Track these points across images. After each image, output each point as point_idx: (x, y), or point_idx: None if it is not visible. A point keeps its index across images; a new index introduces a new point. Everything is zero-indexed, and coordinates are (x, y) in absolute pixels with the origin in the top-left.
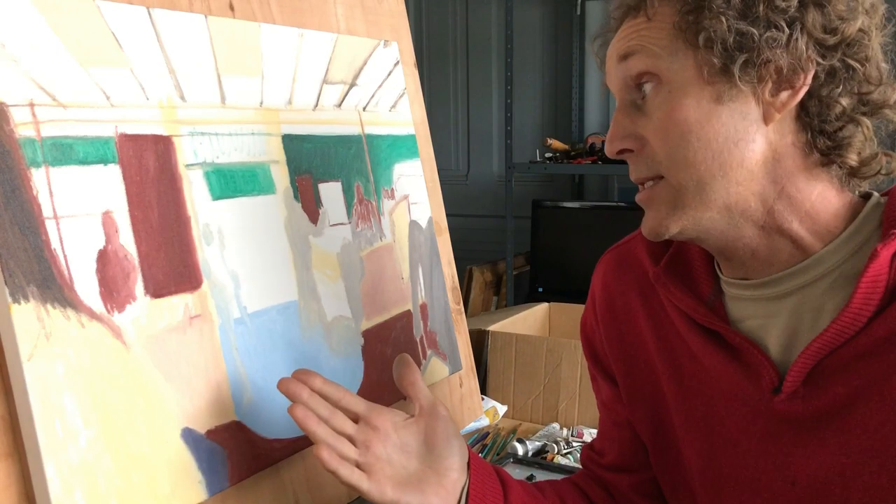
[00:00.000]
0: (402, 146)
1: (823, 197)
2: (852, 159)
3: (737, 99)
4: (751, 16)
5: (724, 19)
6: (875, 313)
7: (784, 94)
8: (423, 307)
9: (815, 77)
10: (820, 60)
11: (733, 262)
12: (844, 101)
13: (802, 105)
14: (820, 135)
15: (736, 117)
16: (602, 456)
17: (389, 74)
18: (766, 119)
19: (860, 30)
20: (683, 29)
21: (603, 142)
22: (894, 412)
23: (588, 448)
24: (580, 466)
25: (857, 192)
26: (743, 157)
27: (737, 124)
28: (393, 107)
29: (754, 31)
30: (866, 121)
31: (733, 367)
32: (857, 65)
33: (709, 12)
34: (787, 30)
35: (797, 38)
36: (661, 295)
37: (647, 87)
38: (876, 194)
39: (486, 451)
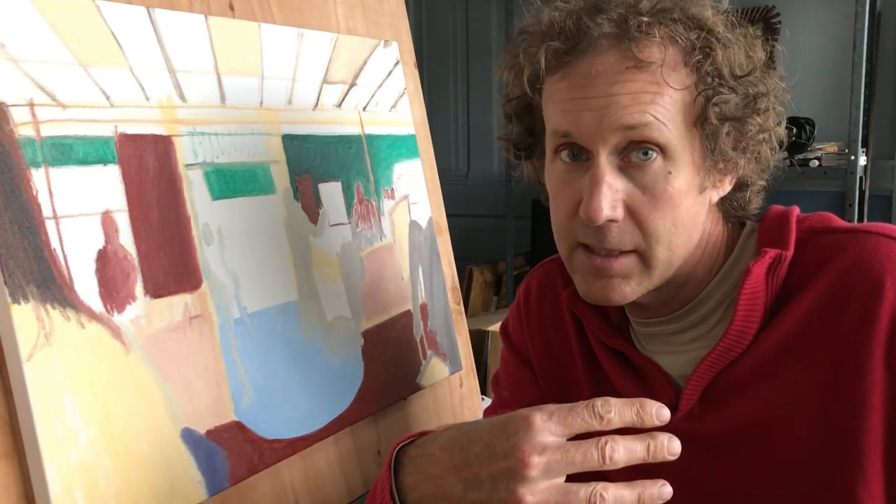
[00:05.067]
0: (402, 146)
1: (717, 240)
2: (751, 211)
3: (706, 188)
4: (766, 123)
5: (756, 121)
6: (759, 330)
7: (726, 180)
8: (423, 307)
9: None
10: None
11: (639, 308)
12: (760, 183)
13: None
14: (732, 205)
15: (702, 205)
16: None
17: (389, 74)
18: (711, 202)
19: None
20: (700, 114)
21: None
22: (788, 436)
23: None
24: None
25: (732, 222)
26: (697, 236)
27: (702, 211)
28: (393, 107)
29: (764, 136)
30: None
31: (637, 387)
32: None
33: (734, 108)
34: (777, 132)
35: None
36: (577, 314)
37: (646, 157)
38: (749, 222)
39: None
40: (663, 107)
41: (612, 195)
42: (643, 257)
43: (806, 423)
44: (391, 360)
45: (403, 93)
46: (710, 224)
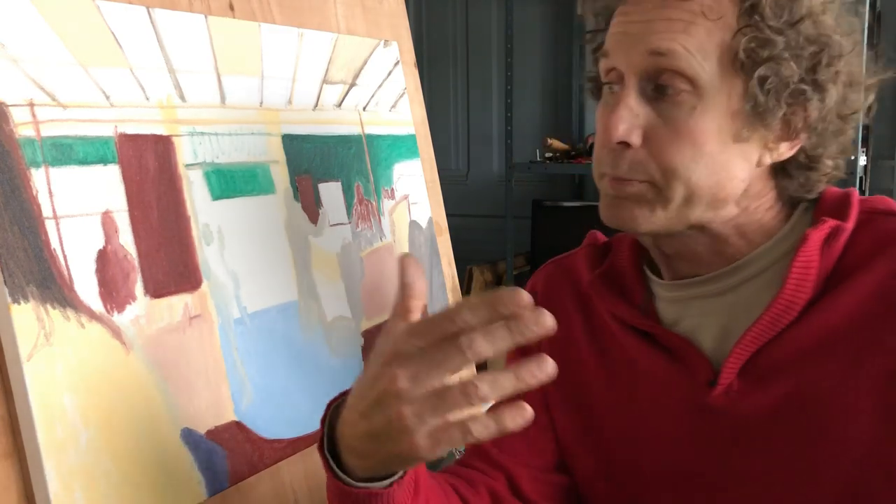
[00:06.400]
0: (402, 146)
1: (770, 209)
2: (814, 195)
3: (748, 140)
4: (811, 74)
5: (793, 66)
6: (809, 302)
7: (784, 146)
8: (423, 307)
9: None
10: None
11: (673, 262)
12: (829, 163)
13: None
14: (796, 179)
15: (740, 157)
16: (503, 450)
17: (389, 74)
18: (760, 163)
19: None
20: (738, 51)
21: None
22: (838, 418)
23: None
24: None
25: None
26: (730, 193)
27: (739, 163)
28: (393, 107)
29: (808, 89)
30: (838, 163)
31: (668, 366)
32: (847, 125)
33: (774, 49)
34: (832, 93)
35: (831, 99)
36: (597, 303)
37: (674, 89)
38: (804, 202)
39: None
40: (696, 38)
41: (630, 118)
42: (657, 188)
43: (861, 406)
44: None
45: (403, 93)
46: (761, 187)
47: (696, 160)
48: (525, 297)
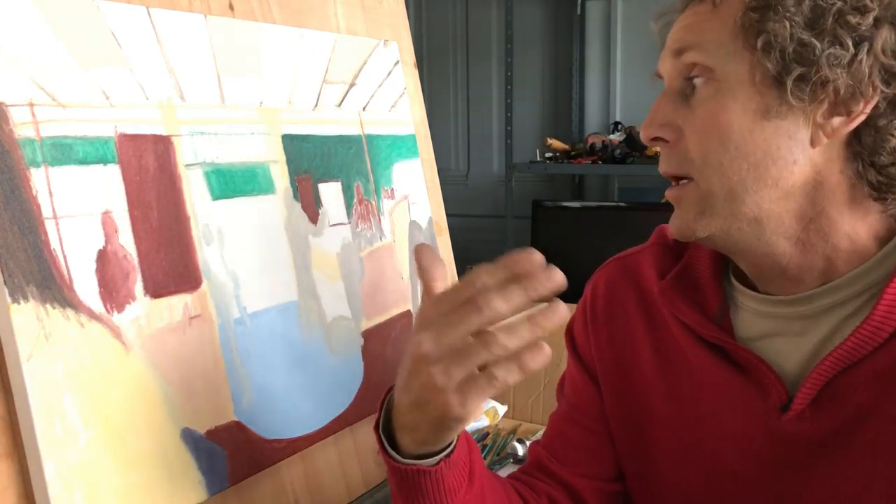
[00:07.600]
0: (402, 146)
1: (864, 221)
2: None
3: (785, 116)
4: (817, 27)
5: (787, 25)
6: None
7: (837, 120)
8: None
9: (876, 106)
10: (884, 88)
11: (763, 277)
12: None
13: (856, 133)
14: (871, 167)
15: (780, 135)
16: (564, 463)
17: (389, 74)
18: (814, 142)
19: None
20: (746, 27)
21: (603, 141)
22: None
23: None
24: None
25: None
26: (780, 175)
27: (780, 142)
28: (393, 107)
29: (816, 43)
30: None
31: (739, 384)
32: None
33: (773, 14)
34: (852, 49)
35: (861, 60)
36: (666, 310)
37: (699, 81)
38: None
39: (486, 451)
40: (709, 32)
41: (662, 116)
42: (697, 184)
43: None
44: (391, 360)
45: (403, 93)
46: (837, 179)
47: (724, 144)
48: (537, 256)
